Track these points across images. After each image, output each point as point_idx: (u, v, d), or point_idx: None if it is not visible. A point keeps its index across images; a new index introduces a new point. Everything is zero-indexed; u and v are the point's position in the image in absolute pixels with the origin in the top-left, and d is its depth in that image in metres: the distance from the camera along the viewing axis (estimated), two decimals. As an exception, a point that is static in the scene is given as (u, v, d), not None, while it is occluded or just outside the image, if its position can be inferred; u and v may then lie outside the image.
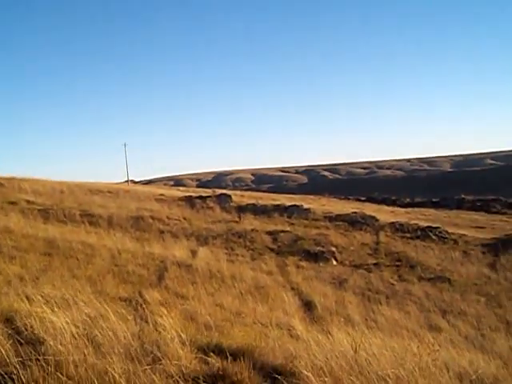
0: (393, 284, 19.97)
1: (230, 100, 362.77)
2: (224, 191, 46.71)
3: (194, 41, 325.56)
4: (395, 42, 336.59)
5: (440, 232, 29.09)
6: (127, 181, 73.77)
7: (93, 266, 14.49)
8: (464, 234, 29.33)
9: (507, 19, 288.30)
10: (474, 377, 6.29)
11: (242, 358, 5.51)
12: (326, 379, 4.92)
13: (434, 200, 55.22)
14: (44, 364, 4.71)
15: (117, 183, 57.85)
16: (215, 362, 5.47)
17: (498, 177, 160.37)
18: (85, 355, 5.00)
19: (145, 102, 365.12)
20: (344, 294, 17.35)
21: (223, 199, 36.46)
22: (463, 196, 56.28)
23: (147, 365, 4.99)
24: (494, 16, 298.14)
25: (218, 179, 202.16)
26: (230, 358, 5.54)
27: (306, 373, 5.00)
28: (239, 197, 42.90)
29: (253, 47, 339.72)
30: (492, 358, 9.59)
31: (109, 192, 37.57)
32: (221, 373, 5.26)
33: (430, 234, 28.69)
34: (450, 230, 29.83)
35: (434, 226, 30.75)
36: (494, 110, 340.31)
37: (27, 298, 7.14)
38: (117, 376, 4.63)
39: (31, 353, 4.93)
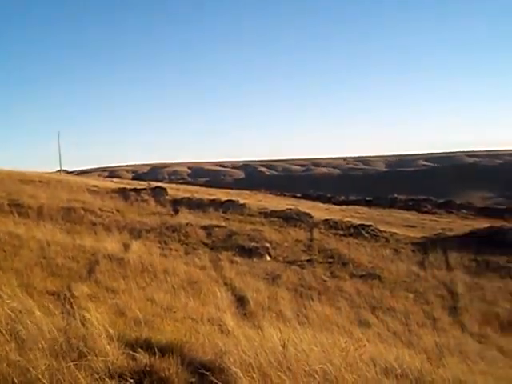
0: (325, 280, 20.21)
1: (168, 91, 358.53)
2: (159, 184, 46.19)
3: (134, 30, 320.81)
4: (336, 38, 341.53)
5: (372, 230, 29.66)
6: (59, 170, 71.95)
7: (20, 257, 14.02)
8: (395, 233, 30.01)
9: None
10: (399, 371, 6.46)
11: (170, 354, 5.46)
12: (254, 375, 4.93)
13: (367, 198, 56.21)
14: (-38, 361, 4.53)
15: (49, 173, 56.17)
16: (143, 357, 5.40)
17: (429, 178, 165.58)
18: (6, 352, 4.84)
19: (81, 91, 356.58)
20: (277, 289, 17.45)
21: (158, 192, 36.03)
22: (396, 195, 57.58)
23: (72, 361, 4.87)
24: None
25: (154, 172, 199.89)
26: (158, 353, 5.47)
27: (234, 369, 5.01)
28: (175, 190, 42.50)
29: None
30: (418, 353, 9.89)
31: (40, 181, 36.46)
32: (148, 369, 5.20)
33: (363, 231, 29.22)
34: (382, 229, 30.45)
35: (367, 224, 31.33)
36: (428, 112, 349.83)
37: None
38: (39, 373, 4.49)
39: None
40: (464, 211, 48.07)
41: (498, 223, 34.39)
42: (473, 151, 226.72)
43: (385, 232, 29.65)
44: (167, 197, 35.27)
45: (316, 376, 5.11)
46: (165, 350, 5.65)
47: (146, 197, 33.94)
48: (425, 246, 26.94)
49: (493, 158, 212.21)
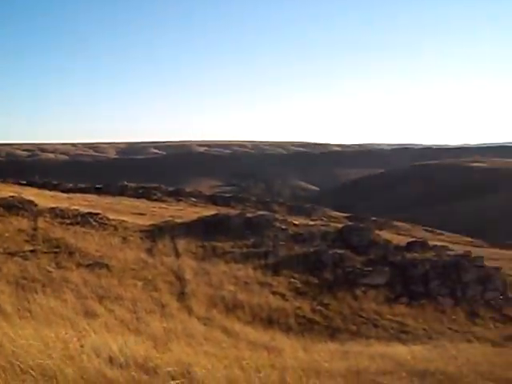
0: (50, 271, 19.41)
1: None
2: None
3: None
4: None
5: (101, 218, 29.24)
6: None
7: None
8: (124, 221, 29.97)
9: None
10: (123, 360, 6.51)
11: None
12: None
13: (97, 186, 55.27)
14: None
15: None
16: None
17: (160, 165, 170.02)
18: None
19: None
20: (-5, 284, 16.29)
21: None
22: (126, 183, 57.52)
23: None
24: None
25: None
26: None
27: None
28: None
29: None
30: (145, 340, 10.05)
31: None
32: None
33: (91, 220, 28.66)
34: (111, 217, 30.18)
35: (95, 212, 30.79)
36: (156, 101, 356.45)
37: None
38: None
39: None
40: (193, 199, 50.07)
41: (224, 210, 36.66)
42: (204, 141, 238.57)
43: (114, 220, 29.48)
44: None
45: (32, 372, 4.87)
46: None
47: None
48: (154, 234, 27.41)
49: (222, 147, 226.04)
